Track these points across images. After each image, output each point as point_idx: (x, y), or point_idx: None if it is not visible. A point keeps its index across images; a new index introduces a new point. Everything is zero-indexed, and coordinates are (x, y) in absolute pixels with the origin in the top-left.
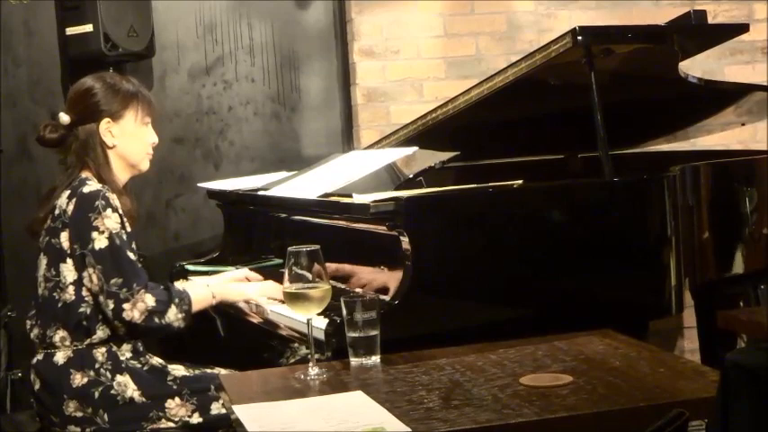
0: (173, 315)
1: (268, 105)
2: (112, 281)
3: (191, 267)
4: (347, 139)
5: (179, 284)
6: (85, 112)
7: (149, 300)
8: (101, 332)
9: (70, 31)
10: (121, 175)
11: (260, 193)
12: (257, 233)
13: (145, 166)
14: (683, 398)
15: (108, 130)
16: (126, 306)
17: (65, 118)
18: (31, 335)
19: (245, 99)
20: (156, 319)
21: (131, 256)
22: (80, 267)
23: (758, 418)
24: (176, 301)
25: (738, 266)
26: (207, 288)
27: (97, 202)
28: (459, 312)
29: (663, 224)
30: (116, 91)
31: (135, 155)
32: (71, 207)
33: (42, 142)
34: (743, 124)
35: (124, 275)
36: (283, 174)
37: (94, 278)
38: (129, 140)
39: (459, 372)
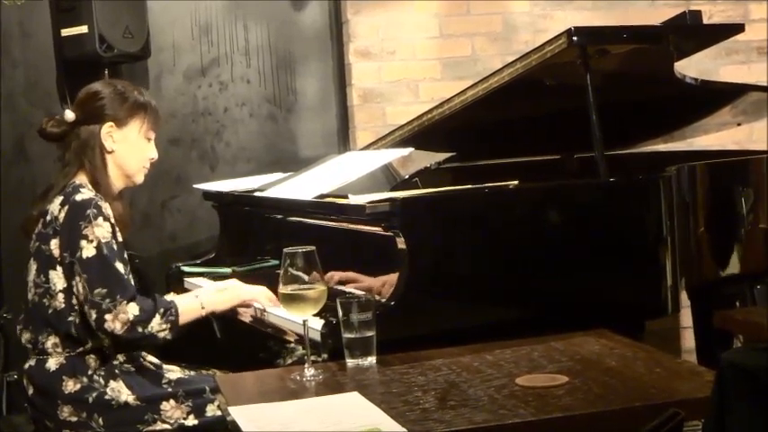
0: (156, 325)
1: (264, 106)
2: (96, 291)
3: (187, 269)
4: (343, 140)
5: (168, 297)
6: (90, 112)
7: (132, 309)
8: (93, 342)
9: (65, 32)
10: (116, 182)
11: (256, 194)
12: (253, 234)
13: (139, 179)
14: (679, 398)
15: (109, 134)
16: (108, 317)
17: (70, 115)
18: (23, 339)
19: (240, 100)
20: (140, 329)
21: (119, 267)
22: (69, 275)
23: (754, 418)
24: (161, 311)
25: (735, 266)
26: (196, 299)
27: (89, 211)
28: (455, 313)
29: (659, 224)
30: (124, 99)
31: (132, 165)
32: (63, 214)
33: (43, 135)
34: (739, 124)
35: (108, 286)
36: (279, 175)
37: (80, 287)
38: (129, 149)
39: (456, 372)
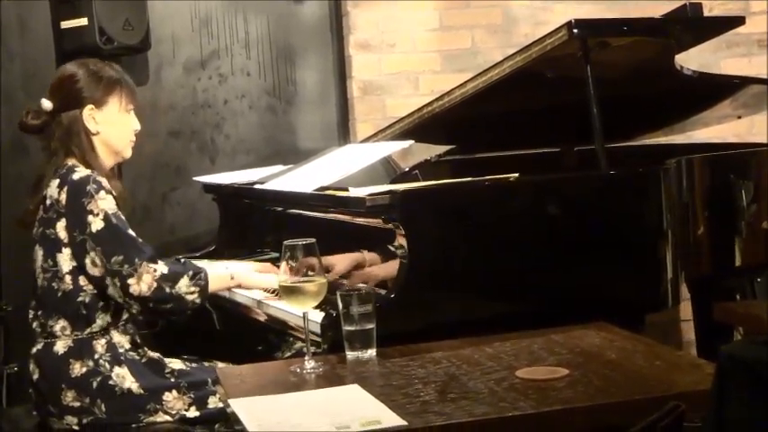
0: (184, 286)
1: (264, 99)
2: (113, 259)
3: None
4: (343, 132)
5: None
6: (68, 98)
7: (160, 268)
8: (100, 320)
9: (65, 24)
10: (106, 160)
11: (256, 186)
12: (253, 227)
13: (128, 153)
14: (679, 391)
15: (91, 116)
16: (131, 281)
17: (47, 104)
18: (33, 326)
19: (240, 92)
20: (167, 289)
21: (131, 232)
22: (81, 254)
23: (753, 411)
24: (190, 273)
25: (735, 259)
26: (226, 269)
27: (89, 187)
28: (455, 306)
29: (659, 217)
30: (99, 78)
31: (118, 142)
32: (63, 196)
33: (24, 128)
34: (739, 117)
35: (124, 252)
36: (279, 167)
37: (97, 260)
38: (113, 127)
39: (456, 365)
